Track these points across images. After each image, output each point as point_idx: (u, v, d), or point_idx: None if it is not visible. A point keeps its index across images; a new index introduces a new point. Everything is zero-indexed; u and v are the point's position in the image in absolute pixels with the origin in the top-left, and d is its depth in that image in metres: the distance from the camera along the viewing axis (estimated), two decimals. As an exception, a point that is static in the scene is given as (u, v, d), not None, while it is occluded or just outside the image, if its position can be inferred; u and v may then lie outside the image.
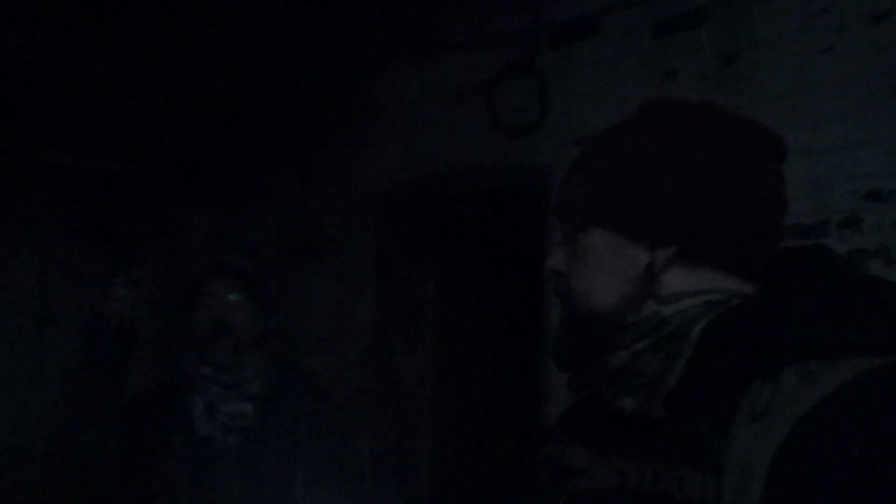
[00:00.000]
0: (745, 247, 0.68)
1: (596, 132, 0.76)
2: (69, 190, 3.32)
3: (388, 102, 2.75)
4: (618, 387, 0.67)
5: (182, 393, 1.41)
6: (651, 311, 0.66)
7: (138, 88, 2.90)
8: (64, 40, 2.61)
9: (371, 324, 2.77)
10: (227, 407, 1.38)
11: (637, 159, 0.68)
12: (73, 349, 3.16)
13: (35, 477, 3.00)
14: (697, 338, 0.64)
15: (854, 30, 1.68)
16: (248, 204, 3.26)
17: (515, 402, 2.97)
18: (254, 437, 1.38)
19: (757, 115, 1.86)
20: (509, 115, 2.32)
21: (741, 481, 0.57)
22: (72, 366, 3.11)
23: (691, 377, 0.64)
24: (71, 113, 3.00)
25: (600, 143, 0.73)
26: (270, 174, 3.20)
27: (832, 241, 1.64)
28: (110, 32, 2.62)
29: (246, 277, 1.47)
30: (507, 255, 2.97)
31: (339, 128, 2.95)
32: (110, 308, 1.32)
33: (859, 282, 0.65)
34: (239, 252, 1.51)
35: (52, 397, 3.09)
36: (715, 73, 1.89)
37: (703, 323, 0.65)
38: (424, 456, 2.85)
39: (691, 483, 0.60)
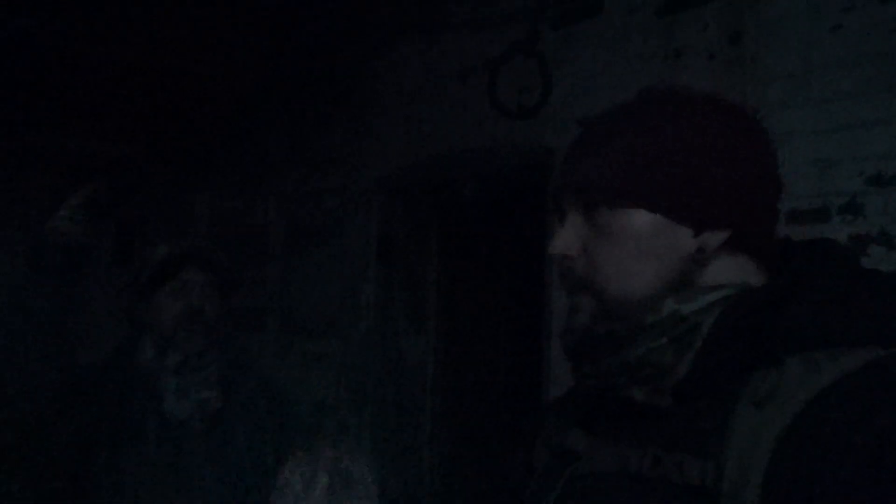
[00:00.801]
0: (771, 232, 0.69)
1: (605, 110, 0.72)
2: (72, 173, 3.32)
3: (391, 83, 2.73)
4: (629, 378, 0.67)
5: (145, 375, 1.40)
6: (671, 310, 0.65)
7: (141, 71, 2.89)
8: (68, 22, 2.59)
9: (374, 306, 2.77)
10: (198, 393, 1.38)
11: (679, 139, 0.66)
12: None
13: None
14: (708, 329, 0.64)
15: (862, 9, 1.65)
16: (251, 188, 3.26)
17: (518, 385, 2.97)
18: (219, 421, 1.39)
19: (763, 94, 1.83)
20: (512, 95, 2.30)
21: (742, 468, 0.57)
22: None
23: (699, 368, 0.64)
24: (74, 96, 2.99)
25: (626, 120, 0.69)
26: (273, 158, 3.19)
27: (834, 225, 1.63)
28: (114, 14, 2.61)
29: (215, 263, 1.47)
30: (510, 237, 2.96)
31: (341, 110, 2.93)
32: (53, 226, 1.26)
33: (864, 273, 0.66)
34: (200, 237, 1.55)
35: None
36: (720, 51, 1.86)
37: (714, 315, 0.65)
38: (426, 437, 2.86)
39: (691, 468, 0.60)
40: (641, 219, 0.66)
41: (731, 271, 0.67)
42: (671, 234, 0.66)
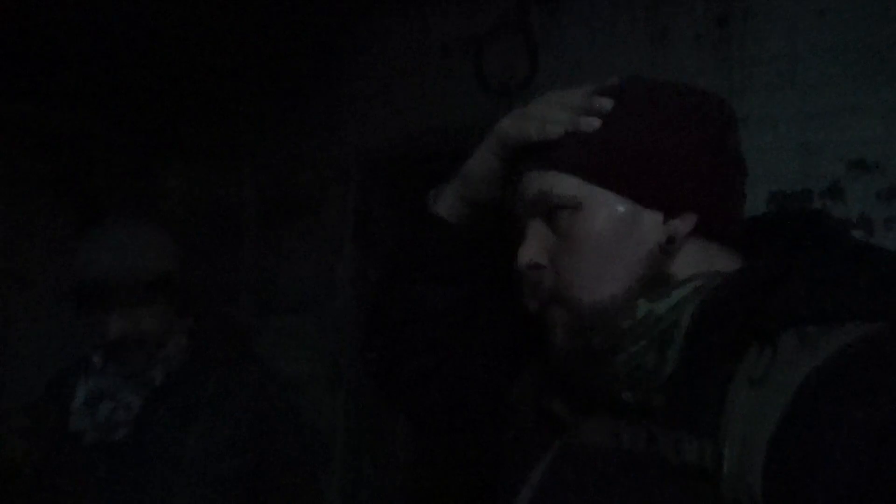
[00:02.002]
0: (737, 217, 0.68)
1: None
2: (35, 145, 3.20)
3: (371, 55, 2.68)
4: (616, 384, 0.65)
5: (70, 381, 1.30)
6: (645, 311, 0.63)
7: (107, 36, 2.78)
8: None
9: (349, 283, 2.74)
10: (118, 398, 1.24)
11: (647, 122, 0.65)
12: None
13: None
14: (688, 323, 0.63)
15: (848, -6, 1.66)
16: (224, 160, 3.18)
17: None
18: (146, 431, 1.22)
19: (749, 77, 1.84)
20: (497, 72, 2.27)
21: (743, 447, 0.56)
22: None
23: (686, 361, 0.63)
24: (34, 63, 2.87)
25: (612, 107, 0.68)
26: (247, 129, 3.12)
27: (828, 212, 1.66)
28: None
29: (138, 286, 1.21)
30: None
31: (319, 82, 2.87)
32: None
33: (855, 247, 0.65)
34: (130, 247, 1.22)
35: (21, 354, 3.03)
36: (707, 34, 1.86)
37: (691, 308, 0.63)
38: (400, 415, 2.86)
39: (688, 447, 0.59)
40: (604, 217, 0.65)
41: (700, 259, 0.66)
42: (637, 226, 0.65)
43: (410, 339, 0.84)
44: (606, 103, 0.67)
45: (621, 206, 0.65)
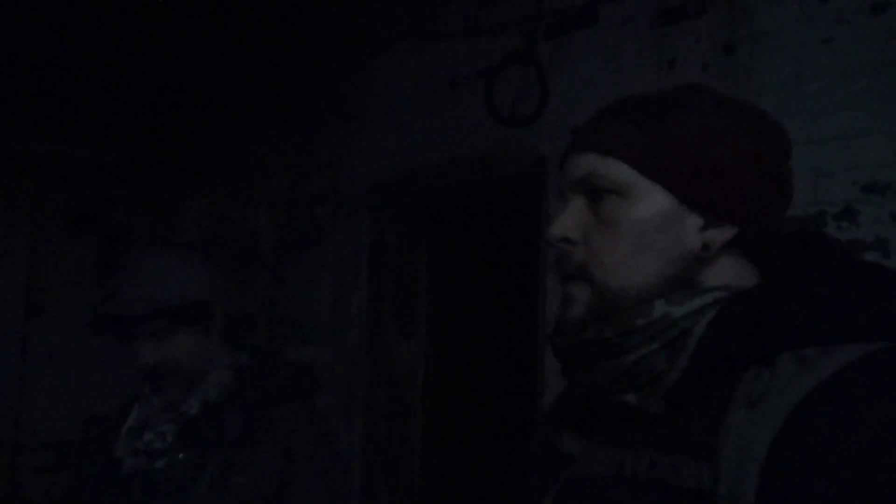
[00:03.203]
0: (772, 240, 0.69)
1: (628, 96, 0.71)
2: (59, 180, 3.27)
3: (383, 90, 2.73)
4: (621, 384, 0.66)
5: (127, 408, 1.33)
6: (662, 312, 0.64)
7: (129, 76, 2.85)
8: (54, 27, 2.56)
9: (364, 313, 2.76)
10: (152, 429, 1.27)
11: (703, 128, 0.66)
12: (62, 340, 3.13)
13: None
14: (701, 333, 0.64)
15: (854, 21, 1.68)
16: (242, 194, 3.23)
17: (508, 394, 2.97)
18: (185, 459, 1.23)
19: (757, 104, 1.87)
20: (507, 103, 2.30)
21: (738, 469, 0.56)
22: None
23: (692, 372, 0.63)
24: (60, 101, 2.95)
25: (653, 104, 0.69)
26: (263, 164, 3.17)
27: (829, 233, 1.65)
28: (101, 19, 2.58)
29: (170, 311, 1.22)
30: (502, 245, 2.97)
31: (333, 117, 2.92)
32: None
33: (854, 267, 0.65)
34: (157, 275, 1.24)
35: (39, 389, 3.05)
36: (714, 62, 1.89)
37: (706, 318, 0.64)
38: (416, 446, 2.85)
39: (687, 470, 0.59)
40: (649, 209, 0.65)
41: (730, 273, 0.67)
42: (677, 226, 0.66)
43: None
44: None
45: (666, 202, 0.66)
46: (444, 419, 2.90)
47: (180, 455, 1.24)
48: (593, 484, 0.66)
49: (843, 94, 1.67)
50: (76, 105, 2.99)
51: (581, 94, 2.15)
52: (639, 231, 0.65)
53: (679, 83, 0.72)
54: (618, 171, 0.66)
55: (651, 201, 0.66)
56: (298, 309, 2.96)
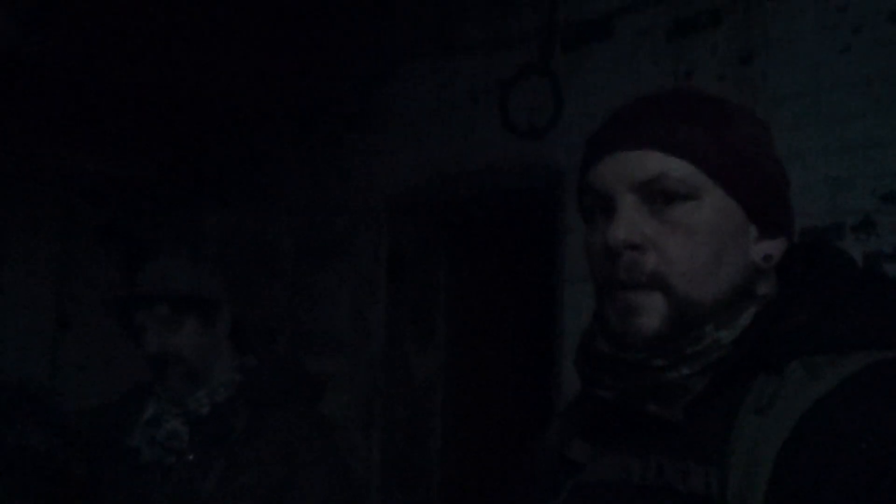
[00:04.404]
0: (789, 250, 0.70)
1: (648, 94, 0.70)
2: (86, 194, 3.36)
3: (403, 103, 2.76)
4: (651, 395, 0.65)
5: (140, 398, 1.36)
6: (711, 338, 0.62)
7: (153, 92, 2.93)
8: (81, 44, 2.64)
9: (383, 325, 2.77)
10: (168, 424, 1.29)
11: (752, 137, 0.66)
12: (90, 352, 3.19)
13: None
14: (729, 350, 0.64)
15: (872, 29, 1.66)
16: (261, 205, 3.28)
17: (527, 405, 2.95)
18: (195, 460, 1.26)
19: (773, 114, 1.84)
20: (523, 116, 2.32)
21: (746, 475, 0.56)
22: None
23: (713, 383, 0.63)
24: (90, 119, 3.03)
25: (707, 104, 0.67)
26: (283, 176, 3.22)
27: (848, 243, 1.63)
28: (126, 36, 2.65)
29: (174, 299, 1.28)
30: (519, 257, 2.97)
31: (351, 129, 2.96)
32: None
33: (863, 277, 0.65)
34: (163, 269, 1.32)
35: (68, 399, 3.11)
36: (731, 72, 1.88)
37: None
38: (435, 458, 2.84)
39: (695, 475, 0.59)
40: (724, 216, 0.63)
41: (769, 285, 0.67)
42: (744, 234, 0.64)
43: None
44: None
45: (736, 210, 0.64)
46: (463, 433, 2.90)
47: (190, 456, 1.26)
48: (601, 489, 0.66)
49: (862, 103, 1.65)
50: (105, 123, 3.08)
51: (598, 107, 2.15)
52: (717, 239, 0.63)
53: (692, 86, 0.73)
54: (691, 173, 0.63)
55: (723, 208, 0.63)
56: (317, 320, 2.99)
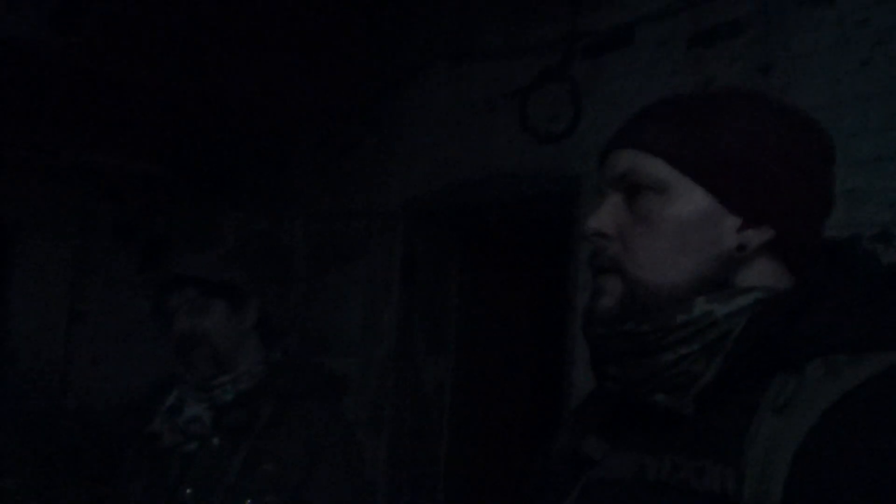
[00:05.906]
0: (809, 247, 0.68)
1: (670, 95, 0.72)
2: (102, 191, 3.39)
3: (420, 109, 2.78)
4: (656, 383, 0.65)
5: (165, 389, 1.39)
6: (703, 311, 0.63)
7: (171, 93, 2.96)
8: (101, 44, 2.68)
9: (395, 328, 2.78)
10: (190, 410, 1.32)
11: (745, 129, 0.66)
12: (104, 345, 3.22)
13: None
14: (737, 336, 0.63)
15: (891, 43, 1.67)
16: (277, 208, 3.31)
17: (536, 411, 2.95)
18: (217, 445, 1.28)
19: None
20: (541, 122, 2.33)
21: (763, 474, 0.56)
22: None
23: (724, 375, 0.63)
24: (105, 115, 3.07)
25: (695, 103, 0.69)
26: (300, 179, 3.24)
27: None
28: (151, 35, 2.69)
29: (204, 283, 1.34)
30: (532, 263, 2.98)
31: (369, 134, 2.98)
32: None
33: (887, 276, 0.65)
34: (193, 258, 1.43)
35: (82, 392, 3.14)
36: (749, 83, 1.89)
37: (744, 320, 0.64)
38: (441, 462, 2.84)
39: (711, 474, 0.59)
40: (688, 207, 0.65)
41: (765, 276, 0.66)
42: (716, 225, 0.65)
43: None
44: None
45: (705, 201, 0.65)
46: (471, 438, 2.90)
47: (214, 440, 1.28)
48: (614, 486, 0.66)
49: (881, 117, 1.66)
50: (124, 121, 3.11)
51: (616, 114, 2.17)
52: (677, 229, 0.65)
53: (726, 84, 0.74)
54: (657, 167, 0.66)
55: (690, 200, 0.65)
56: (330, 322, 3.00)
